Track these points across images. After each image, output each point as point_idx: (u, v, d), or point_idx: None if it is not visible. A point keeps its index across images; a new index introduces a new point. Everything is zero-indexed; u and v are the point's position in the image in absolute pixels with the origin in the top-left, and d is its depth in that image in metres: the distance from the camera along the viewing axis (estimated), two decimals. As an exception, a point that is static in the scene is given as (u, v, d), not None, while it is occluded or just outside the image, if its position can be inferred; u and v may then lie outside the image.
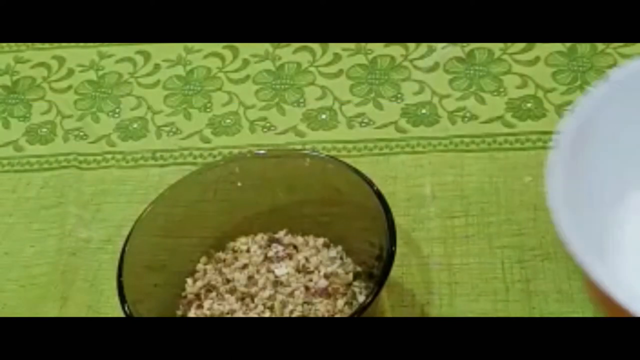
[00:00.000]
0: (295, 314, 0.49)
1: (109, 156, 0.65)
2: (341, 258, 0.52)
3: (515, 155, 0.58)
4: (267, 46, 0.70)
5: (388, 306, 0.50)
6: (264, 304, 0.49)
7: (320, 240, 0.53)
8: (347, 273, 0.51)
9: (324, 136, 0.63)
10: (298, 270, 0.51)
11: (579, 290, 0.50)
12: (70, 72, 0.72)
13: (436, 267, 0.54)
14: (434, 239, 0.55)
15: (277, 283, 0.50)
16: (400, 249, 0.47)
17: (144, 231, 0.51)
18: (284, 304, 0.49)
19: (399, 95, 0.64)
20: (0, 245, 0.61)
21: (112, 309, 0.51)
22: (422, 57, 0.67)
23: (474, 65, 0.65)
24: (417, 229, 0.56)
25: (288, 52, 0.70)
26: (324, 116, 0.64)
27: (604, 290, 0.34)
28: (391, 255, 0.46)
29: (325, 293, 0.50)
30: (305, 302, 0.49)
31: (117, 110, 0.68)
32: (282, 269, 0.51)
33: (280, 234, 0.54)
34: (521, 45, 0.65)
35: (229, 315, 0.50)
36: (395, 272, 0.46)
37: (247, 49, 0.70)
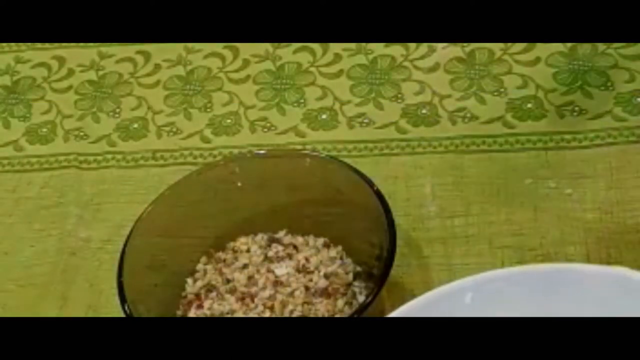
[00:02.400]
0: (295, 314, 0.49)
1: (109, 156, 0.65)
2: (341, 258, 0.52)
3: (515, 155, 0.58)
4: (267, 46, 0.70)
5: (388, 306, 0.50)
6: (264, 304, 0.49)
7: (320, 240, 0.53)
8: (347, 273, 0.51)
9: (324, 136, 0.63)
10: (298, 270, 0.51)
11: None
12: (71, 72, 0.72)
13: (436, 267, 0.54)
14: (434, 239, 0.55)
15: (277, 283, 0.50)
16: (400, 249, 0.47)
17: (144, 231, 0.51)
18: (284, 304, 0.49)
19: (400, 96, 0.64)
20: (1, 245, 0.61)
21: (112, 309, 0.51)
22: (422, 57, 0.67)
23: (475, 66, 0.65)
24: (417, 229, 0.56)
25: (288, 52, 0.70)
26: (324, 116, 0.64)
27: None
28: (391, 255, 0.46)
29: (325, 293, 0.50)
30: (305, 302, 0.49)
31: (118, 110, 0.68)
32: (282, 269, 0.51)
33: (280, 234, 0.54)
34: (522, 46, 0.65)
35: (229, 315, 0.50)
36: (395, 272, 0.47)
37: (247, 49, 0.70)
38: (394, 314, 0.40)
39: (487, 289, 0.41)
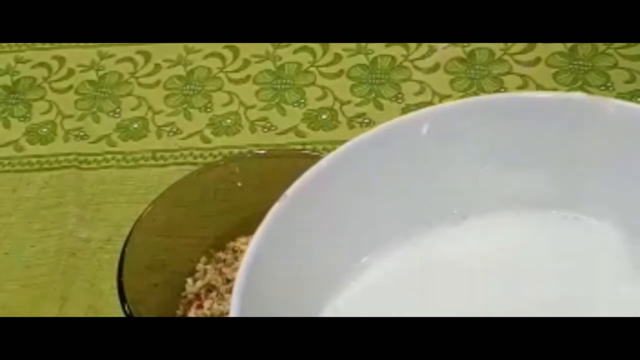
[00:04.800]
0: (295, 314, 0.49)
1: (109, 156, 0.65)
2: (341, 258, 0.52)
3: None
4: (267, 46, 0.70)
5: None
6: (264, 304, 0.49)
7: (321, 241, 0.53)
8: (347, 273, 0.51)
9: (324, 136, 0.63)
10: (298, 271, 0.51)
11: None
12: (71, 72, 0.72)
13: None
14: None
15: (277, 283, 0.50)
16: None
17: (144, 231, 0.50)
18: (284, 304, 0.49)
19: (400, 96, 0.64)
20: (1, 245, 0.61)
21: (112, 309, 0.51)
22: (422, 58, 0.67)
23: (475, 66, 0.65)
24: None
25: (288, 52, 0.70)
26: (324, 116, 0.64)
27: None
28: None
29: (325, 293, 0.49)
30: (305, 302, 0.49)
31: (118, 110, 0.68)
32: (282, 269, 0.51)
33: (281, 234, 0.54)
34: (522, 46, 0.65)
35: (228, 316, 0.50)
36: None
37: (247, 49, 0.70)
38: (348, 144, 0.41)
39: (444, 120, 0.41)
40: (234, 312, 0.36)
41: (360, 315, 0.39)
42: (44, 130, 0.68)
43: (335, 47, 0.69)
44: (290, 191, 0.40)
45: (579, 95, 0.40)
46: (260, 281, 0.37)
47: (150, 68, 0.71)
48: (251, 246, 0.37)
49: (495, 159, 0.41)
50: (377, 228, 0.42)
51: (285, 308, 0.38)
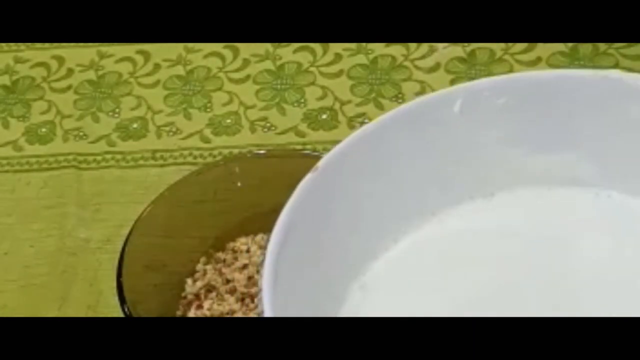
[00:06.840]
0: (295, 315, 0.49)
1: (108, 156, 0.65)
2: (341, 258, 0.52)
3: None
4: (267, 46, 0.70)
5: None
6: (264, 305, 0.49)
7: (321, 241, 0.53)
8: (347, 273, 0.51)
9: (325, 136, 0.63)
10: (298, 271, 0.51)
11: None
12: (70, 72, 0.72)
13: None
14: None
15: (277, 283, 0.50)
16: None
17: (143, 231, 0.50)
18: (284, 305, 0.49)
19: (400, 96, 0.64)
20: (0, 246, 0.60)
21: (112, 309, 0.51)
22: (423, 57, 0.67)
23: (476, 66, 0.65)
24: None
25: (289, 52, 0.69)
26: (324, 116, 0.64)
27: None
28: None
29: (325, 293, 0.49)
30: (305, 303, 0.49)
31: (117, 110, 0.68)
32: (282, 269, 0.51)
33: (281, 234, 0.53)
34: (523, 46, 0.65)
35: (229, 316, 0.50)
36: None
37: (247, 49, 0.70)
38: (380, 118, 0.41)
39: (477, 96, 0.41)
40: (265, 290, 0.35)
41: (388, 291, 0.39)
42: (43, 130, 0.68)
43: (335, 47, 0.69)
44: (322, 163, 0.39)
45: (616, 72, 0.40)
46: (288, 258, 0.37)
47: (150, 68, 0.71)
48: (280, 220, 0.38)
49: (526, 140, 0.41)
50: (405, 204, 0.41)
51: (313, 283, 0.38)
